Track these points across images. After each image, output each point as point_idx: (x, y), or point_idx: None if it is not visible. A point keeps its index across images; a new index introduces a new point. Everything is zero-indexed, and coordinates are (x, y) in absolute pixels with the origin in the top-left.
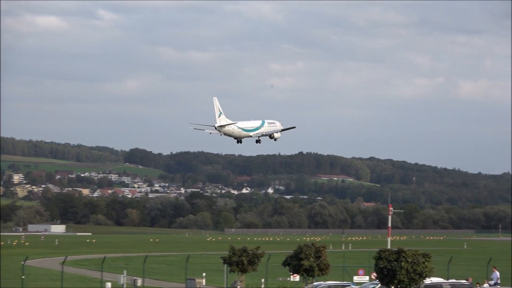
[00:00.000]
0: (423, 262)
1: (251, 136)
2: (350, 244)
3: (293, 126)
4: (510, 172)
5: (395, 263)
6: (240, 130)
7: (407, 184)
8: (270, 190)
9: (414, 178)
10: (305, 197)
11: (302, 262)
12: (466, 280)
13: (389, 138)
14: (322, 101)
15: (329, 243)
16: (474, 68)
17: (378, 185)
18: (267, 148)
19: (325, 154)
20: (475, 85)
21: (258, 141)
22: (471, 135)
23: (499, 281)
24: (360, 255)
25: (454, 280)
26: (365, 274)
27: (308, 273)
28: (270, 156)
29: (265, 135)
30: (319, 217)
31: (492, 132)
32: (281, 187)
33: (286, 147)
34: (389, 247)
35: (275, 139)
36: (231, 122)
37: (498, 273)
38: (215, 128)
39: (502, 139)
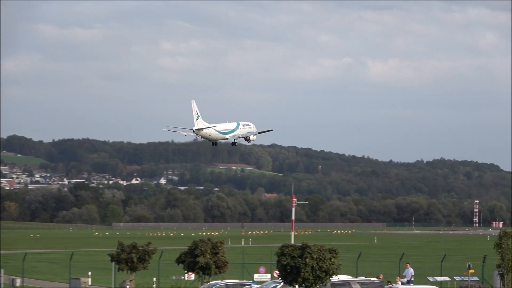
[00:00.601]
0: (330, 259)
1: (227, 139)
2: (250, 239)
3: (270, 129)
4: (424, 160)
5: (299, 259)
6: (217, 133)
7: (312, 173)
8: (162, 181)
9: (319, 166)
10: (201, 188)
11: (198, 259)
12: (377, 277)
13: (292, 123)
14: (218, 83)
15: (227, 238)
16: (384, 47)
17: (281, 174)
18: (159, 135)
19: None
20: (385, 65)
21: (233, 143)
22: (382, 120)
23: (412, 279)
24: (261, 251)
25: (363, 278)
26: (266, 272)
27: (204, 271)
28: (162, 144)
29: (241, 137)
30: (216, 210)
31: (404, 117)
32: (175, 177)
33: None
34: (292, 242)
35: (249, 141)
36: (209, 125)
37: (411, 270)
38: (193, 131)
39: (414, 125)
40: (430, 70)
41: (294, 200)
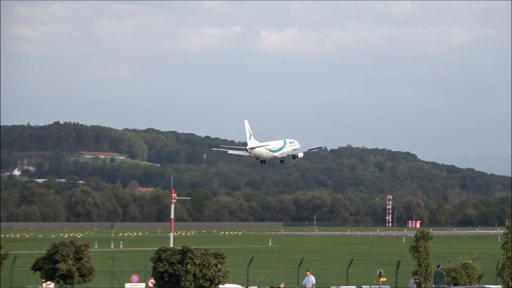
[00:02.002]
0: (215, 265)
1: (276, 157)
2: (121, 242)
3: (320, 146)
4: (327, 148)
5: (179, 266)
6: (267, 151)
7: (195, 164)
8: (16, 172)
9: (204, 155)
10: (62, 180)
11: (58, 265)
12: (273, 287)
13: (172, 103)
14: (84, 55)
15: (93, 241)
16: (281, 14)
17: (158, 164)
18: (13, 118)
19: (88, 124)
20: (282, 36)
21: (282, 161)
22: (276, 100)
23: None
24: (134, 255)
25: (255, 287)
26: (140, 281)
27: (65, 279)
28: (16, 127)
29: (290, 155)
30: (81, 207)
31: (303, 96)
32: (31, 168)
33: (38, 114)
34: (171, 245)
35: (297, 158)
36: (260, 144)
37: (313, 278)
38: (247, 150)
39: (316, 105)
40: (334, 41)
41: (174, 195)
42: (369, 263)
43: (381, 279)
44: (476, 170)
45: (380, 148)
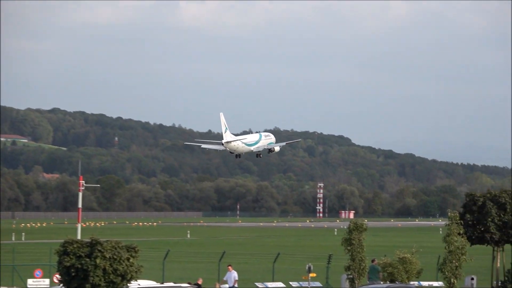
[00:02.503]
0: (127, 259)
1: (252, 151)
2: (23, 234)
3: (299, 139)
4: (252, 130)
5: (87, 260)
6: (243, 145)
7: (106, 148)
8: None
9: (116, 138)
10: None
11: None
12: (193, 283)
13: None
14: None
15: None
16: None
17: (65, 148)
18: None
19: None
20: (203, 7)
21: (258, 155)
22: (197, 78)
23: (236, 285)
24: (37, 249)
25: (171, 284)
26: (44, 276)
27: None
28: None
29: (266, 149)
30: None
31: (224, 74)
32: None
33: None
34: (79, 237)
35: (273, 152)
36: (236, 138)
37: (235, 274)
38: (222, 144)
39: (240, 84)
40: (260, 13)
41: (82, 182)
42: (298, 257)
43: (311, 275)
44: (416, 155)
45: (311, 131)
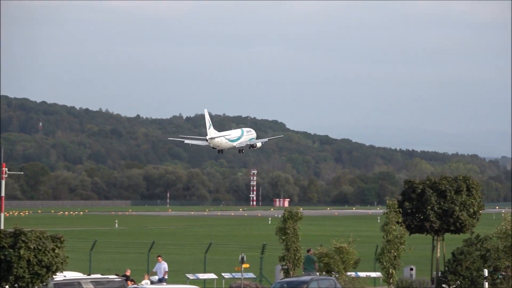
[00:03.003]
0: (53, 249)
1: (234, 146)
2: None
3: (281, 135)
4: (183, 115)
5: (11, 251)
6: (227, 141)
7: (30, 133)
8: None
9: (40, 124)
10: None
11: None
12: (118, 274)
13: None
14: None
15: None
16: None
17: None
18: None
19: None
20: None
21: (241, 151)
22: (125, 59)
23: (166, 276)
24: None
25: (99, 276)
26: None
27: None
28: None
29: (248, 144)
30: None
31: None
32: None
33: None
34: (2, 227)
35: (255, 147)
36: (219, 134)
37: (165, 265)
38: (207, 140)
39: (167, 65)
40: None
41: (5, 169)
42: (230, 247)
43: (244, 266)
44: (353, 141)
45: (243, 115)
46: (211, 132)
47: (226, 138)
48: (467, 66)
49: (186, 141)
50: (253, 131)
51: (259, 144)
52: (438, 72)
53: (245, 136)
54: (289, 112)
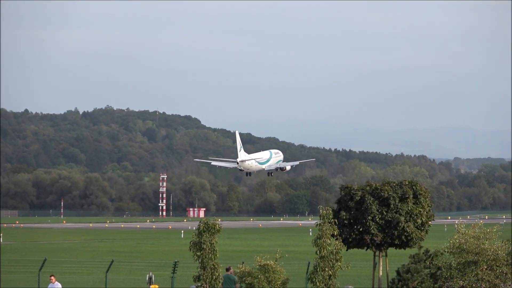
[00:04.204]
0: None
1: (264, 169)
2: None
3: (313, 158)
4: (79, 110)
5: None
6: (257, 163)
7: None
8: None
9: None
10: None
11: None
12: None
13: None
14: None
15: None
16: None
17: None
18: None
19: None
20: None
21: (270, 174)
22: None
23: None
24: None
25: None
26: None
27: None
28: None
29: (278, 168)
30: None
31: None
32: None
33: None
34: None
35: (284, 170)
36: (250, 157)
37: (59, 285)
38: (237, 163)
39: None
40: None
41: None
42: (136, 265)
43: (152, 287)
44: (280, 140)
45: (151, 110)
46: (242, 154)
47: (256, 161)
48: (413, 53)
49: (213, 163)
50: (280, 153)
51: (288, 167)
52: (382, 61)
53: (273, 158)
54: (204, 107)
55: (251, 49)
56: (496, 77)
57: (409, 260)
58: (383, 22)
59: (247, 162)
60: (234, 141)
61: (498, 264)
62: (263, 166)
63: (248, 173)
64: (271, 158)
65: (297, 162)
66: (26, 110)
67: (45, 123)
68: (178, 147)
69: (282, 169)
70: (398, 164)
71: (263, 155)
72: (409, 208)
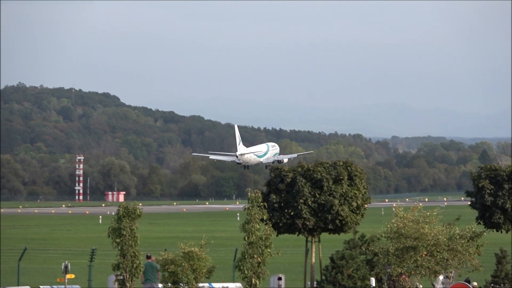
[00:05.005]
0: None
1: (262, 162)
2: None
3: (311, 151)
4: None
5: None
6: (255, 157)
7: None
8: None
9: None
10: None
11: None
12: None
13: None
14: None
15: None
16: None
17: None
18: None
19: None
20: None
21: (267, 167)
22: None
23: None
24: None
25: None
26: None
27: None
28: None
29: (276, 160)
30: None
31: None
32: None
33: None
34: None
35: (282, 163)
36: (249, 150)
37: None
38: (237, 156)
39: None
40: None
41: None
42: (51, 253)
43: (68, 276)
44: (206, 118)
45: (66, 87)
46: (241, 148)
47: (255, 154)
48: (342, 28)
49: (212, 157)
50: (276, 146)
51: (285, 160)
52: (310, 37)
53: (270, 151)
54: (124, 84)
55: (173, 24)
56: (436, 53)
57: (344, 246)
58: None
59: (246, 156)
60: (157, 120)
61: (438, 250)
62: (261, 159)
63: (246, 166)
64: (268, 151)
65: (294, 155)
66: None
67: None
68: (96, 127)
69: (279, 161)
70: (332, 144)
71: (261, 148)
72: (344, 190)
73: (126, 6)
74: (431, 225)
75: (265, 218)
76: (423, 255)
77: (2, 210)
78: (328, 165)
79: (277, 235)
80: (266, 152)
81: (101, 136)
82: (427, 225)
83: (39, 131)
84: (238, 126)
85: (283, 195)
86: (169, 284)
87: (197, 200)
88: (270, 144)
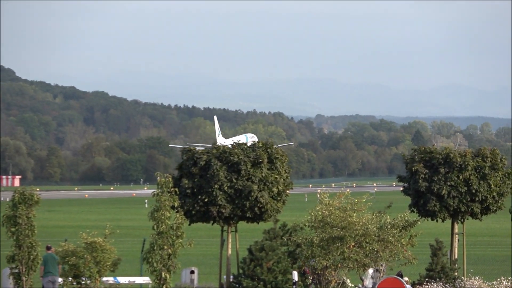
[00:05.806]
0: None
1: None
2: None
3: (291, 142)
4: None
5: None
6: None
7: None
8: None
9: None
10: None
11: None
12: None
13: None
14: None
15: None
16: None
17: None
18: None
19: None
20: None
21: None
22: None
23: None
24: None
25: None
26: None
27: None
28: None
29: None
30: None
31: None
32: None
33: None
34: None
35: None
36: (226, 141)
37: None
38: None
39: None
40: None
41: None
42: None
43: None
44: (110, 94)
45: None
46: (221, 139)
47: None
48: None
49: (192, 149)
50: (255, 137)
51: None
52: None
53: (249, 142)
54: (20, 56)
55: None
56: (368, 23)
57: (263, 236)
58: None
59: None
60: (56, 96)
61: (368, 241)
62: None
63: None
64: (247, 142)
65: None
66: None
67: None
68: None
69: None
70: (250, 123)
71: (240, 138)
72: (263, 174)
73: None
74: (360, 213)
75: (176, 205)
76: (351, 247)
77: None
78: (246, 147)
79: (189, 224)
80: (245, 143)
81: None
82: (355, 213)
83: None
84: (145, 104)
85: (196, 179)
86: (70, 278)
87: (100, 185)
88: (249, 135)
